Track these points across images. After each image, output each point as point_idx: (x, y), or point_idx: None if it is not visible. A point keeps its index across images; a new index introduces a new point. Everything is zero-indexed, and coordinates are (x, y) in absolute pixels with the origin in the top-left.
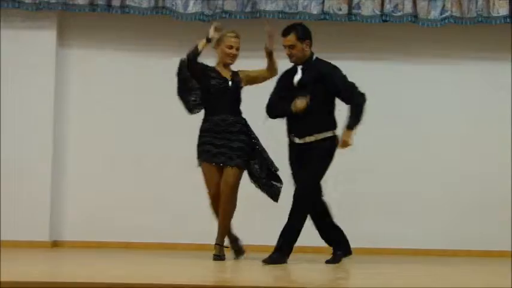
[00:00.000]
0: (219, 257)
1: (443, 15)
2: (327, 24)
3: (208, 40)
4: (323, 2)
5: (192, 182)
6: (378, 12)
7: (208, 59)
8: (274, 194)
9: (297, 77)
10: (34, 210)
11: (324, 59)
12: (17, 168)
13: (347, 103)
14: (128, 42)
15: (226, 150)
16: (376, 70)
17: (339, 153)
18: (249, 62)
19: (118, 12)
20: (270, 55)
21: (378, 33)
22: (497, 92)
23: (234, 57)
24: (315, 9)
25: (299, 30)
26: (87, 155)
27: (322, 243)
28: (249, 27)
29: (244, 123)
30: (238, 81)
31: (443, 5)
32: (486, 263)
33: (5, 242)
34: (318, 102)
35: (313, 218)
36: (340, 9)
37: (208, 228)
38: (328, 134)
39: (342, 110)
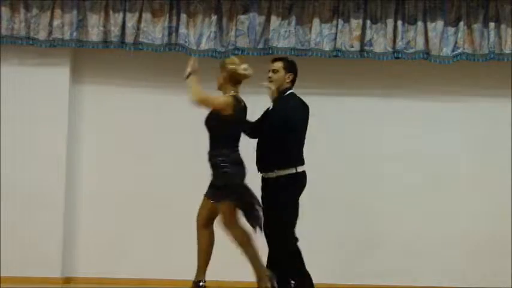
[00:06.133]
0: None
1: (455, 52)
2: (339, 61)
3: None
4: (335, 39)
5: None
6: (390, 49)
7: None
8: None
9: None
10: (46, 246)
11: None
12: (30, 203)
13: None
14: (141, 78)
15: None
16: (387, 107)
17: (355, 194)
18: (259, 98)
19: (131, 49)
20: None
21: (389, 69)
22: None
23: None
24: (327, 46)
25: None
26: (100, 190)
27: None
28: (261, 64)
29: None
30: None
31: (456, 42)
32: None
33: (16, 279)
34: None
35: None
36: (352, 46)
37: (226, 265)
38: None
39: None
